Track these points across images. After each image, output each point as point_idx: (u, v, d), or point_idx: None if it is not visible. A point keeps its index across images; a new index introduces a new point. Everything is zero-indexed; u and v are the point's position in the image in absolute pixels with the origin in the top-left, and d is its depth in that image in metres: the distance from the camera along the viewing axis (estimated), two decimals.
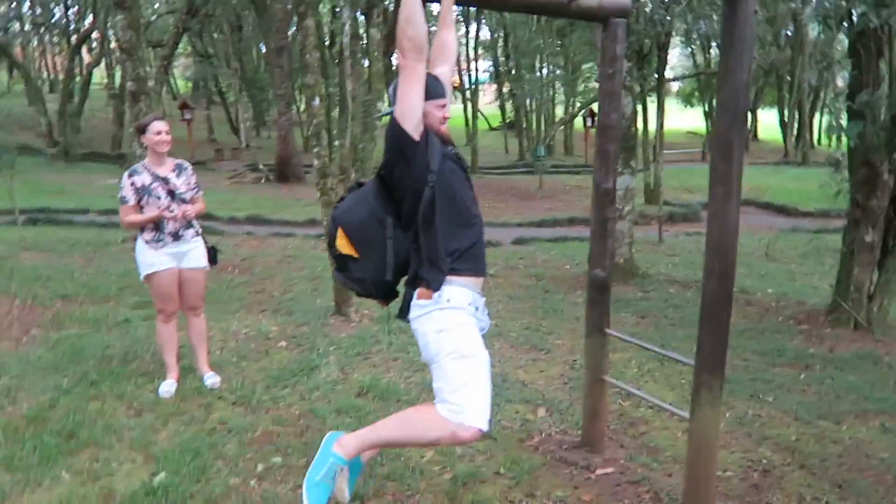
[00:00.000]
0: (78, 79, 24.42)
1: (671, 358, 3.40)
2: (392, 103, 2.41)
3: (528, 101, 28.90)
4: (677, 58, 37.82)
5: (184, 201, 4.06)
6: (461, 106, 30.73)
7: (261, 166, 19.39)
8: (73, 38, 25.37)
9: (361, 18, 13.80)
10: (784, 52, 27.04)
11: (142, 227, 4.02)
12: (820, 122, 31.31)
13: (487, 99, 38.59)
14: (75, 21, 28.07)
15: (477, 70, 30.93)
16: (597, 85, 3.30)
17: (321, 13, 23.81)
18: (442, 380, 2.38)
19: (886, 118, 5.50)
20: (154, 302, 4.23)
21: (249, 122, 27.30)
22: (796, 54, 26.37)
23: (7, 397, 3.93)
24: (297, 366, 4.59)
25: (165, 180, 4.03)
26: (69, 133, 21.25)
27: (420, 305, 2.43)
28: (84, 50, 25.94)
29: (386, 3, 9.10)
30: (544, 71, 29.33)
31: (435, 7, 2.76)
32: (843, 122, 5.98)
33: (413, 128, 2.32)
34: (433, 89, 2.44)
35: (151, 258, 4.04)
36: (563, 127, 31.41)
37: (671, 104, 31.60)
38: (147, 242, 4.03)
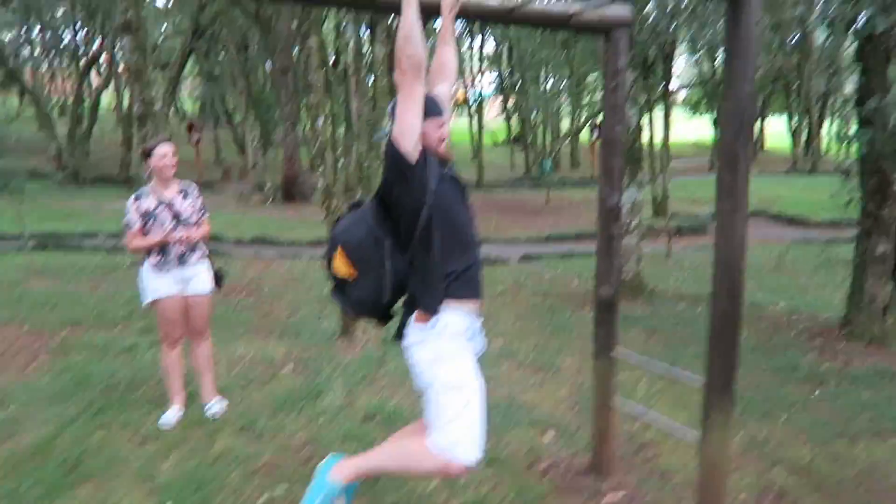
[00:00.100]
0: (87, 102, 24.68)
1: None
2: (392, 122, 2.40)
3: (533, 114, 28.91)
4: (683, 66, 37.81)
5: (189, 225, 4.05)
6: (467, 120, 30.79)
7: (267, 186, 19.42)
8: (82, 62, 25.67)
9: (366, 35, 13.90)
10: (791, 59, 26.97)
11: (147, 252, 4.00)
12: (829, 129, 31.14)
13: (493, 113, 38.68)
14: (84, 45, 28.42)
15: (481, 85, 31.03)
16: (602, 95, 3.29)
17: (325, 31, 24.01)
18: (435, 410, 2.38)
19: None
20: (159, 328, 4.21)
21: (256, 141, 27.45)
22: (803, 61, 26.30)
23: (11, 428, 3.91)
24: (303, 391, 4.55)
25: (170, 204, 4.02)
26: (78, 157, 21.44)
27: (416, 331, 2.42)
28: (93, 73, 26.25)
29: (390, 20, 9.12)
30: (549, 83, 29.36)
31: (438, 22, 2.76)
32: (853, 129, 5.92)
33: (410, 148, 2.31)
34: (431, 109, 2.43)
35: (156, 283, 4.02)
36: (568, 140, 31.41)
37: (678, 113, 31.55)
38: (152, 267, 4.01)
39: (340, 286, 2.53)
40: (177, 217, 4.01)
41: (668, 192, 13.43)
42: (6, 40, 24.34)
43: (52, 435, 3.80)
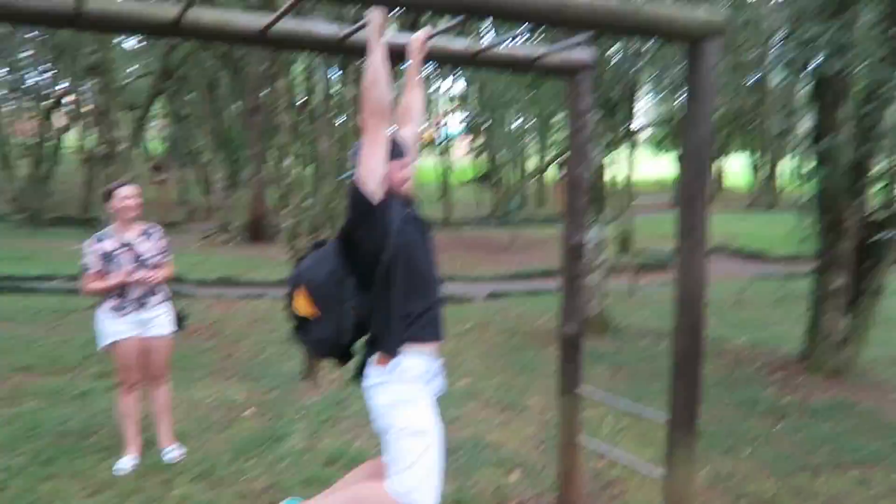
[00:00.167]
0: (50, 143, 24.33)
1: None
2: (355, 165, 2.42)
3: (500, 153, 29.28)
4: (646, 105, 38.82)
5: (151, 267, 3.97)
6: (434, 159, 31.04)
7: (233, 226, 19.25)
8: (47, 103, 25.36)
9: (336, 76, 14.00)
10: (748, 99, 27.90)
11: (105, 295, 3.90)
12: (787, 167, 32.11)
13: (462, 152, 39.09)
14: (49, 86, 28.10)
15: (448, 124, 31.38)
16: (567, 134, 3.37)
17: (295, 72, 24.14)
18: (393, 455, 2.37)
19: (849, 163, 5.62)
20: (116, 372, 4.09)
21: (222, 182, 27.25)
22: (761, 101, 27.22)
23: None
24: (264, 434, 4.44)
25: (132, 246, 3.95)
26: (38, 198, 21.03)
27: (376, 373, 2.41)
28: (57, 114, 25.92)
29: (360, 62, 9.22)
30: (516, 123, 29.82)
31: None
32: (809, 167, 6.10)
33: (373, 190, 2.32)
34: (394, 150, 2.46)
35: (114, 326, 3.92)
36: (535, 179, 31.84)
37: (642, 152, 32.24)
38: (110, 310, 3.91)
39: (302, 325, 2.52)
40: (138, 259, 3.93)
41: (633, 229, 13.62)
42: None
43: None
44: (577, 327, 3.54)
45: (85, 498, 3.55)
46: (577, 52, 3.32)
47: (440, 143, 28.58)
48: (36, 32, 20.87)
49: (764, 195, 28.85)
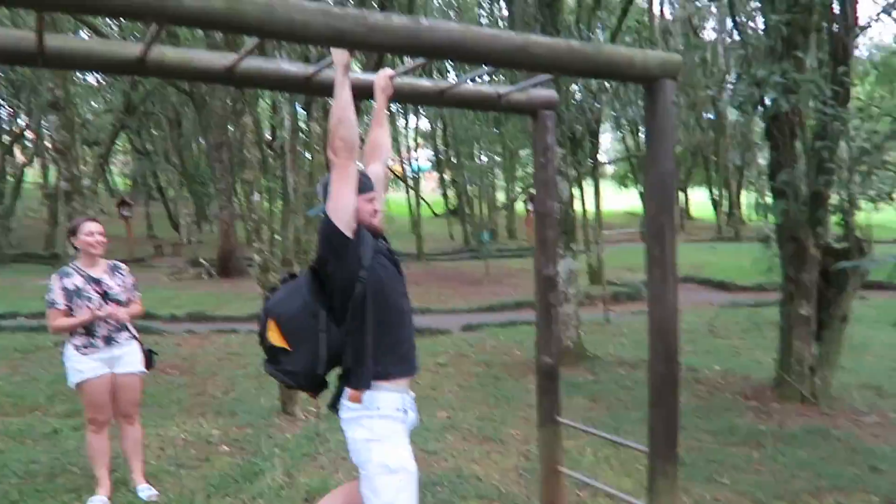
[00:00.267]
0: (10, 179, 23.88)
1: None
2: (322, 201, 2.45)
3: (468, 187, 29.59)
4: (609, 142, 39.69)
5: (119, 303, 3.90)
6: (404, 195, 31.20)
7: (202, 261, 19.03)
8: (6, 139, 24.95)
9: (303, 112, 14.07)
10: (707, 135, 28.73)
11: (71, 332, 3.81)
12: (747, 198, 32.95)
13: (430, 186, 39.38)
14: (8, 121, 27.67)
15: (417, 159, 31.66)
16: (534, 169, 3.44)
17: (261, 108, 24.20)
18: (368, 490, 2.40)
19: (806, 195, 5.81)
20: (85, 411, 3.98)
21: (190, 217, 26.95)
22: (719, 136, 28.03)
23: None
24: (240, 471, 4.34)
25: (98, 282, 3.87)
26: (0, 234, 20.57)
27: (350, 409, 2.42)
28: (17, 150, 25.50)
29: (325, 98, 9.30)
30: (483, 158, 30.22)
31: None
32: (769, 199, 6.28)
33: (345, 224, 2.35)
34: (362, 184, 2.49)
35: (81, 364, 3.82)
36: (504, 211, 32.17)
37: (607, 185, 32.84)
38: (77, 348, 3.82)
39: (274, 357, 2.51)
40: (104, 295, 3.86)
41: (603, 260, 13.80)
42: None
43: None
44: (553, 358, 3.57)
45: None
46: (541, 90, 3.41)
47: (409, 178, 28.78)
48: None
49: (728, 226, 29.53)
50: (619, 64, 2.68)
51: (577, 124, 10.03)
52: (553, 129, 3.48)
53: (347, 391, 2.45)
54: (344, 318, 2.42)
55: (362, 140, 2.59)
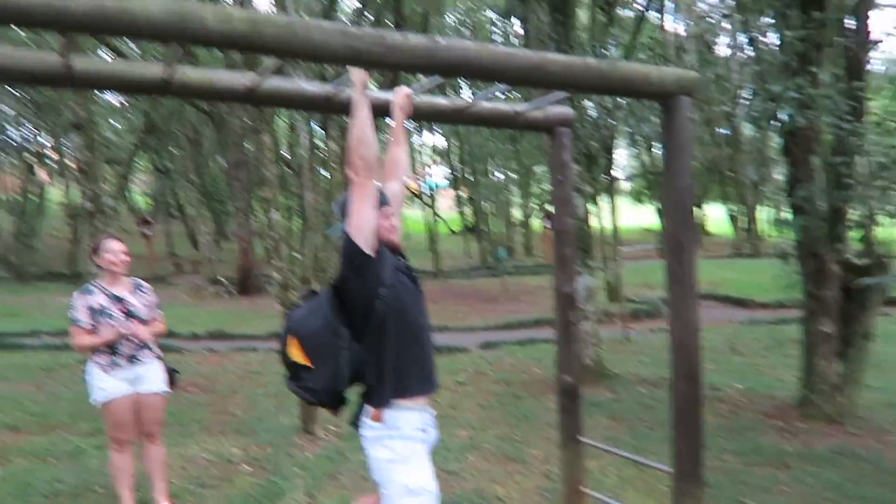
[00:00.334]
0: (33, 198, 24.26)
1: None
2: (339, 220, 2.48)
3: (485, 204, 29.61)
4: (625, 158, 39.59)
5: (142, 321, 3.94)
6: (421, 212, 31.27)
7: (222, 279, 19.17)
8: (29, 158, 25.37)
9: (320, 131, 14.21)
10: (722, 150, 28.58)
11: (95, 350, 3.86)
12: (765, 214, 32.66)
13: (446, 204, 39.44)
14: (32, 141, 28.18)
15: (434, 177, 31.79)
16: (550, 186, 3.48)
17: (278, 127, 24.45)
18: None
19: (825, 211, 5.76)
20: (108, 430, 4.01)
21: (209, 235, 27.14)
22: (734, 152, 27.87)
23: None
24: (262, 491, 4.35)
25: (121, 300, 3.91)
26: (23, 254, 20.85)
27: (372, 428, 2.43)
28: (40, 169, 25.93)
29: (342, 117, 9.40)
30: (499, 175, 30.26)
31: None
32: (786, 215, 6.23)
33: (365, 242, 2.37)
34: (377, 200, 2.50)
35: (105, 383, 3.86)
36: (521, 228, 32.13)
37: (624, 202, 32.73)
38: (100, 366, 3.86)
39: (296, 374, 2.52)
40: (128, 313, 3.90)
41: (621, 277, 13.72)
42: None
43: None
44: (574, 377, 3.56)
45: None
46: (557, 107, 3.43)
47: (425, 195, 28.87)
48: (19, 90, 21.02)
49: (746, 242, 29.26)
50: (634, 81, 2.70)
51: (592, 141, 10.03)
52: (570, 147, 3.51)
53: (368, 409, 2.47)
54: (364, 336, 2.44)
55: (381, 158, 2.62)
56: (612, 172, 16.60)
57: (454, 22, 24.46)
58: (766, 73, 6.45)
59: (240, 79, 2.75)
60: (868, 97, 6.17)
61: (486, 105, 3.24)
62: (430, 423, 2.55)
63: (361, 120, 2.38)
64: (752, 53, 9.05)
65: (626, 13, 17.52)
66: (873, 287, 5.60)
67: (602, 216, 17.55)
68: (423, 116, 3.22)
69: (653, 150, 28.29)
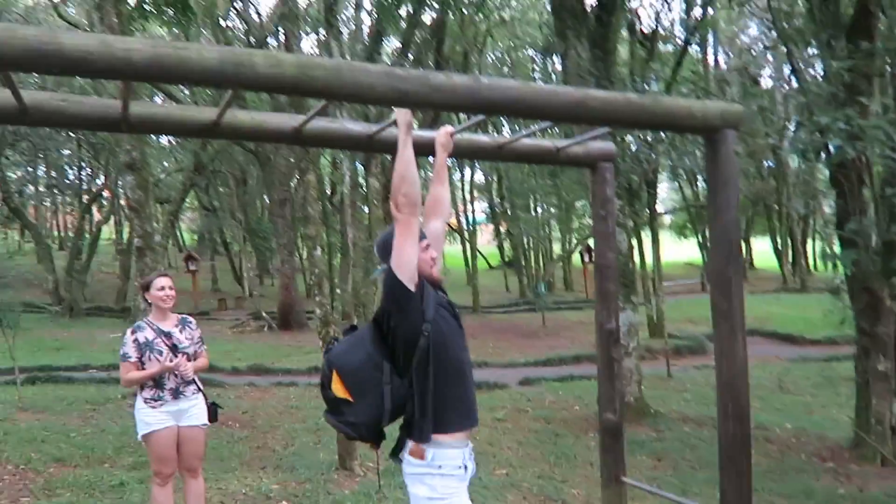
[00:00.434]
0: (87, 236, 25.13)
1: None
2: (379, 258, 2.50)
3: (524, 239, 29.56)
4: (666, 192, 39.18)
5: (187, 356, 4.01)
6: (460, 247, 31.37)
7: (264, 314, 19.46)
8: (85, 198, 26.38)
9: (361, 168, 14.47)
10: (768, 183, 28.06)
11: (141, 385, 3.93)
12: (813, 248, 31.81)
13: (485, 239, 39.50)
14: (87, 182, 29.35)
15: (474, 212, 31.93)
16: (591, 221, 3.46)
17: (322, 165, 24.99)
18: None
19: (878, 244, 5.58)
20: (151, 463, 4.06)
21: (253, 271, 27.69)
22: (780, 184, 27.33)
23: None
24: None
25: (168, 335, 3.99)
26: (75, 289, 21.53)
27: (412, 464, 2.42)
28: (94, 208, 26.91)
29: (384, 155, 9.55)
30: (539, 210, 30.23)
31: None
32: (836, 248, 6.06)
33: (409, 278, 2.38)
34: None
35: (149, 417, 3.92)
36: (561, 263, 31.91)
37: (665, 236, 32.29)
38: (146, 401, 3.93)
39: (336, 408, 2.52)
40: (174, 348, 3.97)
41: (663, 312, 13.49)
42: (13, 178, 25.07)
43: None
44: (617, 415, 3.48)
45: None
46: (599, 142, 3.42)
47: (465, 231, 28.98)
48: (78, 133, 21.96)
49: (793, 277, 28.50)
50: (677, 115, 2.68)
51: (633, 175, 9.97)
52: (612, 182, 3.48)
53: (409, 444, 2.46)
54: (407, 371, 2.44)
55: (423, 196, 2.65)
56: (655, 206, 16.47)
57: (493, 60, 24.79)
58: (812, 105, 6.35)
59: (287, 120, 2.82)
60: None
61: (527, 141, 3.25)
62: (469, 457, 2.52)
63: (405, 159, 2.41)
64: (797, 85, 8.95)
65: (666, 48, 17.55)
66: None
67: (644, 250, 17.37)
68: (464, 154, 3.25)
69: (697, 183, 27.92)
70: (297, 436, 7.01)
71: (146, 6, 9.82)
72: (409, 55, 15.25)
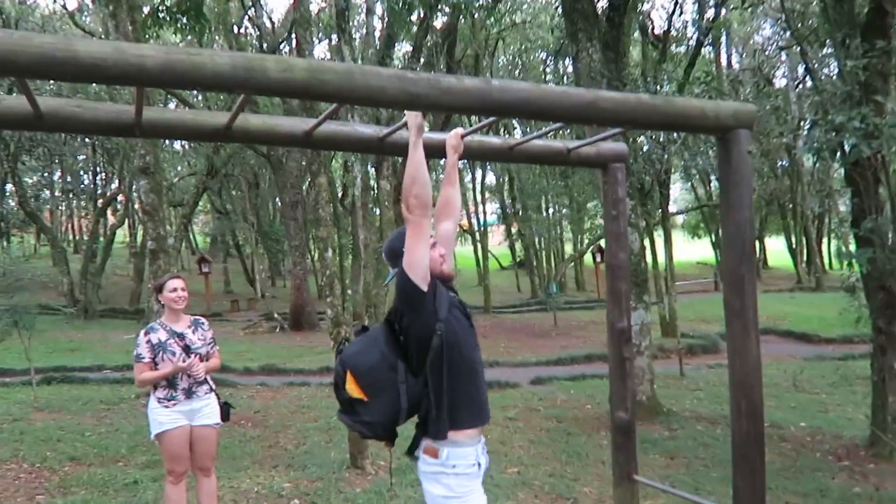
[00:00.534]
0: (101, 239, 25.36)
1: None
2: (388, 264, 2.54)
3: (536, 240, 29.50)
4: (679, 191, 38.95)
5: (200, 357, 4.04)
6: (472, 248, 31.36)
7: (276, 315, 19.56)
8: (100, 202, 26.62)
9: (372, 171, 14.50)
10: (782, 182, 27.83)
11: (155, 385, 3.97)
12: (828, 246, 31.54)
13: (497, 240, 39.48)
14: (102, 186, 29.63)
15: (485, 213, 31.91)
16: (602, 221, 3.46)
17: (333, 167, 25.08)
18: None
19: (894, 242, 5.53)
20: (164, 462, 4.10)
21: (265, 272, 27.80)
22: (795, 183, 27.11)
23: None
24: None
25: (181, 336, 4.03)
26: (89, 291, 21.72)
27: (427, 463, 2.45)
28: (109, 212, 27.15)
29: (395, 157, 9.57)
30: (550, 211, 30.17)
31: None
32: (852, 247, 6.01)
33: (421, 278, 2.40)
34: None
35: (162, 416, 3.96)
36: (572, 263, 31.82)
37: (678, 236, 32.13)
38: (159, 400, 3.96)
39: (350, 408, 2.53)
40: (187, 349, 4.01)
41: (676, 311, 13.43)
42: (29, 183, 25.37)
43: None
44: (628, 413, 3.47)
45: None
46: (611, 143, 3.41)
47: (476, 231, 28.97)
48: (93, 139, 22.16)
49: (808, 276, 28.27)
50: (690, 115, 2.67)
51: (645, 175, 9.94)
52: (624, 182, 3.47)
53: (424, 443, 2.47)
54: (421, 370, 2.46)
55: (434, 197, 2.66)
56: (667, 206, 16.39)
57: (505, 62, 24.76)
58: (827, 104, 6.30)
59: (298, 124, 2.84)
60: None
61: (538, 142, 3.25)
62: (482, 453, 2.54)
63: (416, 161, 2.43)
64: (811, 84, 8.89)
65: (678, 49, 17.47)
66: None
67: (656, 250, 17.29)
68: (475, 155, 3.25)
69: (710, 183, 27.76)
70: (308, 435, 7.04)
71: (160, 14, 9.89)
72: (421, 59, 15.26)
